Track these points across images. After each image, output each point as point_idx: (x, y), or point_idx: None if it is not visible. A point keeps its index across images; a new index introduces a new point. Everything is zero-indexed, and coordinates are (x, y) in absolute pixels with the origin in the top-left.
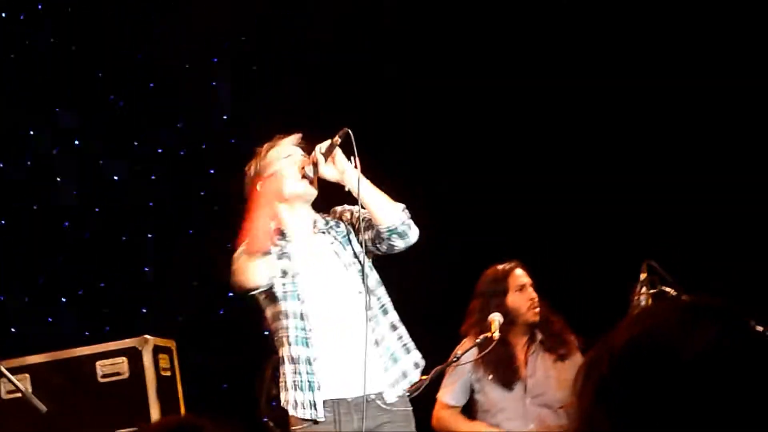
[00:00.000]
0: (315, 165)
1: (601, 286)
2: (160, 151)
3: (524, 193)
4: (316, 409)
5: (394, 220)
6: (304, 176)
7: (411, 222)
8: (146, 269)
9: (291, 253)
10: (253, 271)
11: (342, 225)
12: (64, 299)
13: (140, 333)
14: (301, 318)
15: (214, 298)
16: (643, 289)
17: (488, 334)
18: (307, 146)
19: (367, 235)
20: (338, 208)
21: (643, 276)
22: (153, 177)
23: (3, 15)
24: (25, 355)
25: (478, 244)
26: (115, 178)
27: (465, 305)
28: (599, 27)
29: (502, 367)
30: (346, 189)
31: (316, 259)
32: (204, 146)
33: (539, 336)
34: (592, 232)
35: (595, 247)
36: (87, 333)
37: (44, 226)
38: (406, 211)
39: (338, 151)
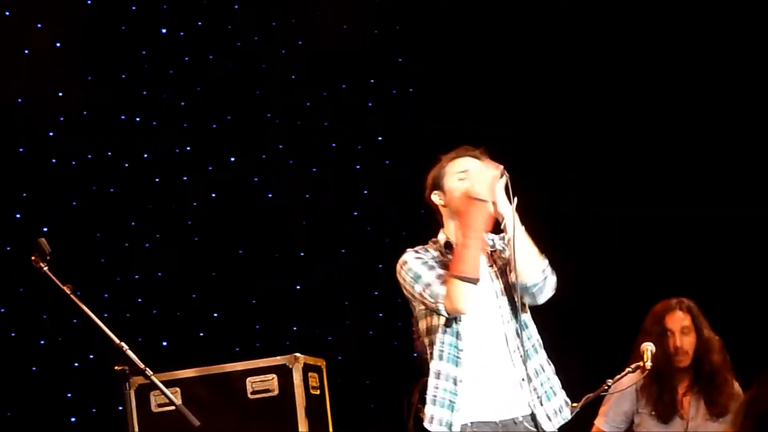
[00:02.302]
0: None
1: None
2: (314, 170)
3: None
4: (451, 429)
5: (538, 278)
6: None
7: (552, 278)
8: (297, 287)
9: None
10: (466, 298)
11: (507, 252)
12: (215, 314)
13: (290, 351)
14: (457, 336)
15: (364, 318)
16: None
17: (640, 363)
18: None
19: (513, 278)
20: (507, 235)
21: None
22: (307, 195)
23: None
24: (176, 369)
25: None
26: (269, 195)
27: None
28: None
29: (662, 404)
30: (502, 226)
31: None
32: (357, 167)
33: (700, 381)
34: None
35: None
36: (237, 349)
37: (196, 241)
38: (549, 267)
39: (501, 185)
